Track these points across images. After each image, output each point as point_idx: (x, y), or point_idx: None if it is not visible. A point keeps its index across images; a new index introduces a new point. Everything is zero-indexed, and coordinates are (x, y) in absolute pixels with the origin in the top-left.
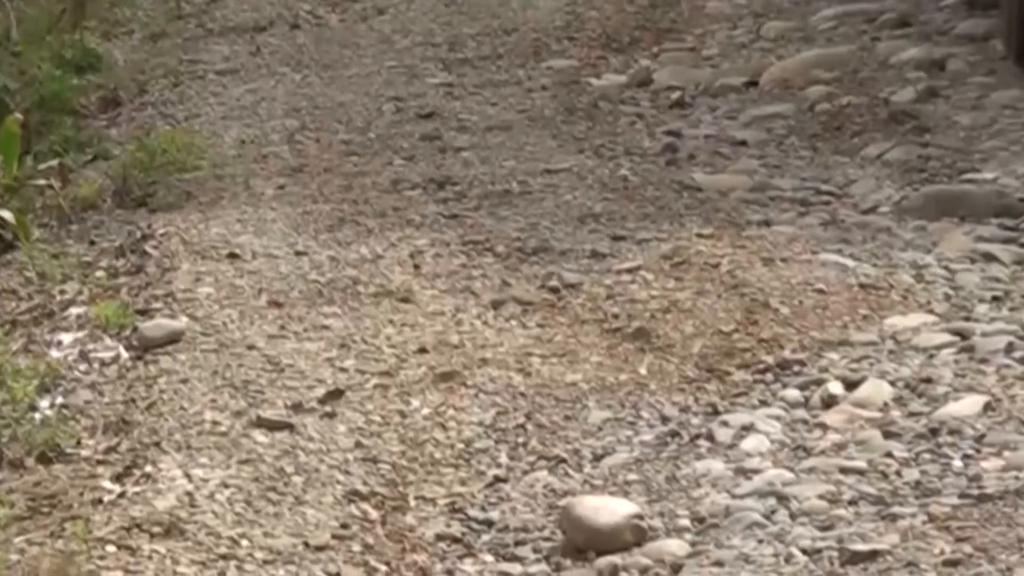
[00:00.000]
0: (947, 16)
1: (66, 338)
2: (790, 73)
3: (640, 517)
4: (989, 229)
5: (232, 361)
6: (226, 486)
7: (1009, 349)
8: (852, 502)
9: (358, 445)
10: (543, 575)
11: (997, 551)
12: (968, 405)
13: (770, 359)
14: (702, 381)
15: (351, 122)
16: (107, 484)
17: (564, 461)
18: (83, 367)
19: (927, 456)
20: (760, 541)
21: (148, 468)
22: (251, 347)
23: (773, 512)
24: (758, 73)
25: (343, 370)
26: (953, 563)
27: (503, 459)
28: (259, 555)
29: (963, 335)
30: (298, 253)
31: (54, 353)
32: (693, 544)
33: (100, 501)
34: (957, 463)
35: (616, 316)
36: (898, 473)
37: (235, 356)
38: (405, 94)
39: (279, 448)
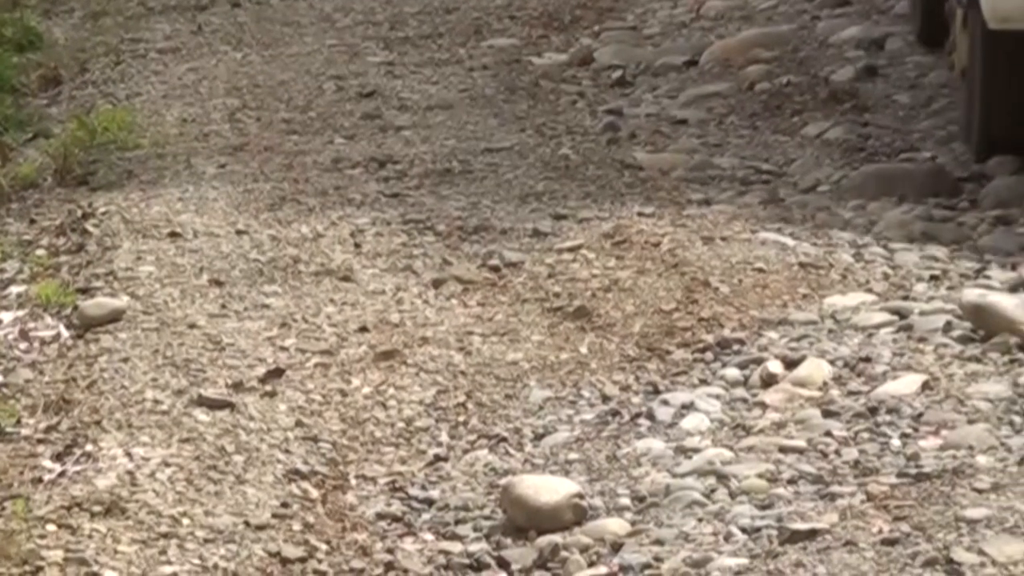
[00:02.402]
0: None
1: (6, 317)
2: (730, 52)
3: (580, 496)
4: (927, 208)
5: (173, 340)
6: (167, 465)
7: (947, 328)
8: (791, 481)
9: (299, 424)
10: (483, 554)
11: (935, 530)
12: (906, 384)
13: (710, 338)
14: (643, 360)
15: (292, 101)
16: (47, 463)
17: (505, 440)
18: (23, 346)
19: (866, 435)
20: (700, 520)
21: (89, 447)
22: (192, 326)
23: (713, 491)
24: (699, 52)
25: (284, 349)
26: (891, 542)
27: (444, 438)
28: (200, 534)
29: (902, 314)
30: (239, 232)
31: None
32: (633, 523)
33: (40, 480)
34: (895, 442)
35: (557, 295)
36: (837, 452)
37: (176, 335)
38: (346, 73)
39: (220, 427)
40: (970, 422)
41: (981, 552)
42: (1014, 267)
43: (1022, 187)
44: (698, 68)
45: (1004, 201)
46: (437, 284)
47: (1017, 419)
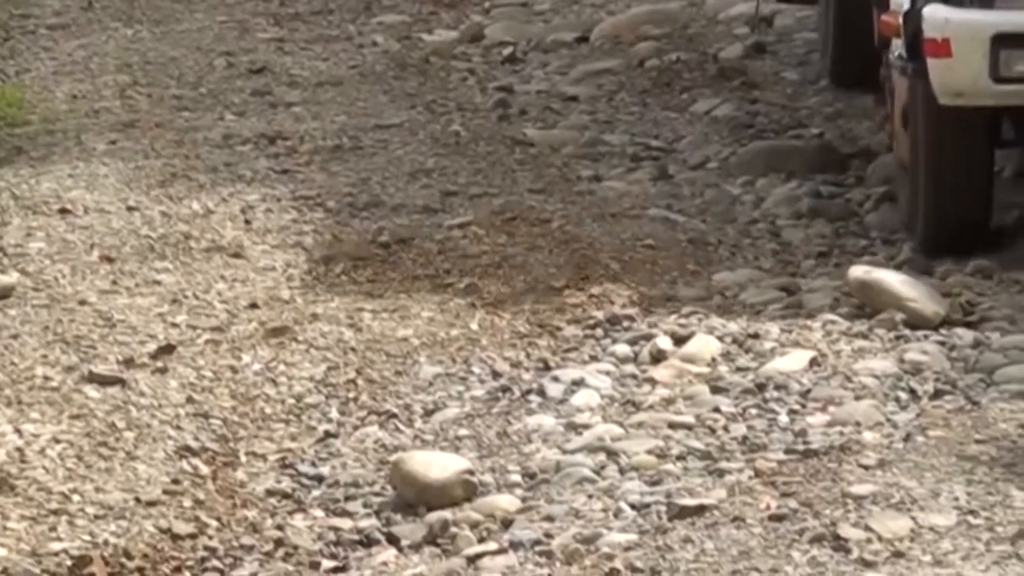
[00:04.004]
0: None
1: None
2: (621, 29)
3: (471, 472)
4: (815, 184)
5: (63, 316)
6: (57, 441)
7: (834, 305)
8: (680, 457)
9: (189, 400)
10: (373, 530)
11: (822, 506)
12: (794, 360)
13: (600, 314)
14: (533, 336)
15: (182, 77)
16: None
17: (395, 416)
18: None
19: (754, 411)
20: (590, 496)
21: None
22: (83, 302)
23: (603, 467)
24: (589, 29)
25: (175, 325)
26: (779, 518)
27: (334, 414)
28: (90, 510)
29: (789, 291)
30: (130, 208)
31: None
32: (523, 499)
33: None
34: (783, 418)
35: (447, 271)
36: (725, 428)
37: (66, 311)
38: (236, 49)
39: (110, 403)
40: (857, 398)
41: (867, 528)
42: (900, 244)
43: None
44: (588, 45)
45: (890, 178)
46: (327, 260)
47: (903, 395)
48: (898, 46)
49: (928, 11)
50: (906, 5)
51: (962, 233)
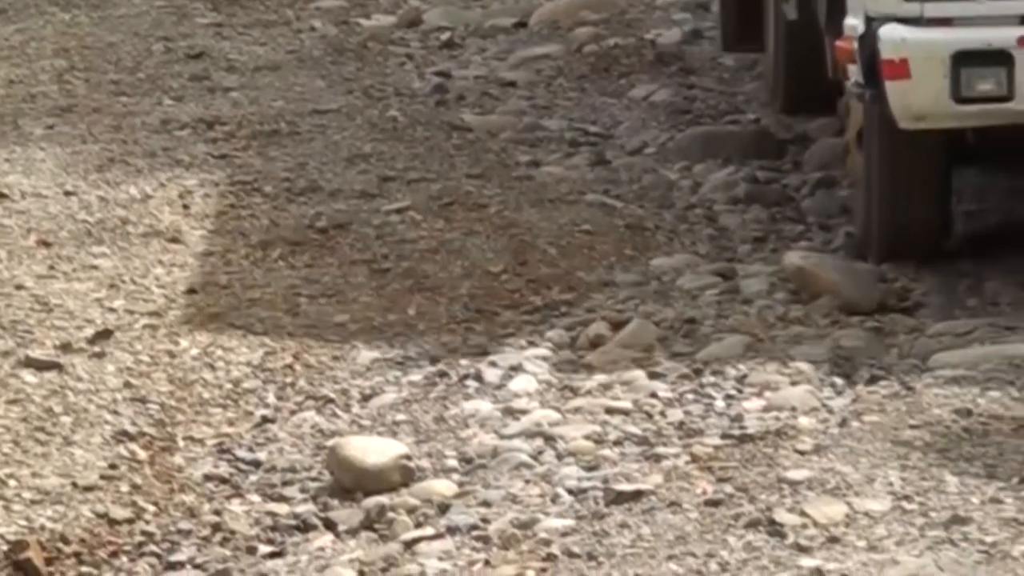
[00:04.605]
0: None
1: None
2: (559, 14)
3: (408, 457)
4: (752, 170)
5: (0, 301)
6: None
7: (771, 290)
8: (617, 442)
9: (127, 385)
10: (310, 515)
11: (757, 491)
12: (731, 345)
13: (538, 300)
14: (471, 322)
15: (120, 62)
16: None
17: (332, 401)
18: None
19: (690, 396)
20: (527, 481)
21: None
22: (19, 287)
23: (540, 452)
24: (527, 14)
25: (112, 310)
26: (715, 503)
27: (271, 399)
28: (27, 495)
29: (726, 276)
30: (67, 193)
31: None
32: (461, 484)
33: None
34: (719, 404)
35: (385, 256)
36: (662, 414)
37: (3, 296)
38: (174, 34)
39: (47, 388)
40: (793, 384)
41: (803, 513)
42: (836, 229)
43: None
44: (527, 30)
45: (826, 163)
46: (265, 245)
47: (838, 381)
48: (854, 72)
49: (884, 32)
50: (861, 28)
51: (918, 255)
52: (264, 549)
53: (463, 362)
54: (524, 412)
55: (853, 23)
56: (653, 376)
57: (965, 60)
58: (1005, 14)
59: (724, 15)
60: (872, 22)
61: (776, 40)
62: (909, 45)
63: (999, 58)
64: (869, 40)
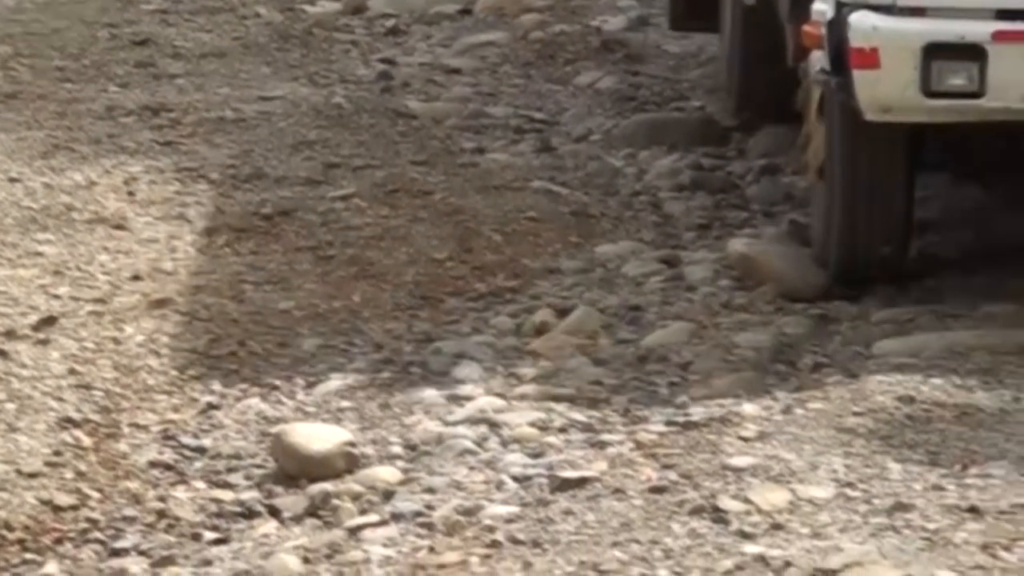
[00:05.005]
0: None
1: None
2: (504, 1)
3: (352, 444)
4: (696, 157)
5: None
6: None
7: (715, 277)
8: (562, 429)
9: (71, 372)
10: (255, 502)
11: (702, 478)
12: (675, 333)
13: (483, 287)
14: (416, 308)
15: (65, 48)
16: None
17: (277, 388)
18: None
19: (635, 384)
20: (471, 468)
21: None
22: None
23: (485, 439)
24: (472, 1)
25: (57, 297)
26: (659, 490)
27: (216, 386)
28: None
29: (671, 263)
30: (12, 179)
31: None
32: (405, 471)
33: None
34: (664, 391)
35: (330, 243)
36: (607, 401)
37: None
38: (120, 20)
39: None
40: (737, 371)
41: (746, 500)
42: (780, 216)
43: (788, 137)
44: (472, 17)
45: (770, 151)
46: (210, 232)
47: (782, 368)
48: (819, 59)
49: (855, 19)
50: (830, 13)
51: (878, 265)
52: (209, 536)
53: (408, 349)
54: (469, 399)
55: (822, 8)
56: (598, 363)
57: (937, 53)
58: (980, 7)
59: None
60: (843, 8)
61: (732, 31)
62: (880, 34)
63: (972, 53)
64: (838, 26)
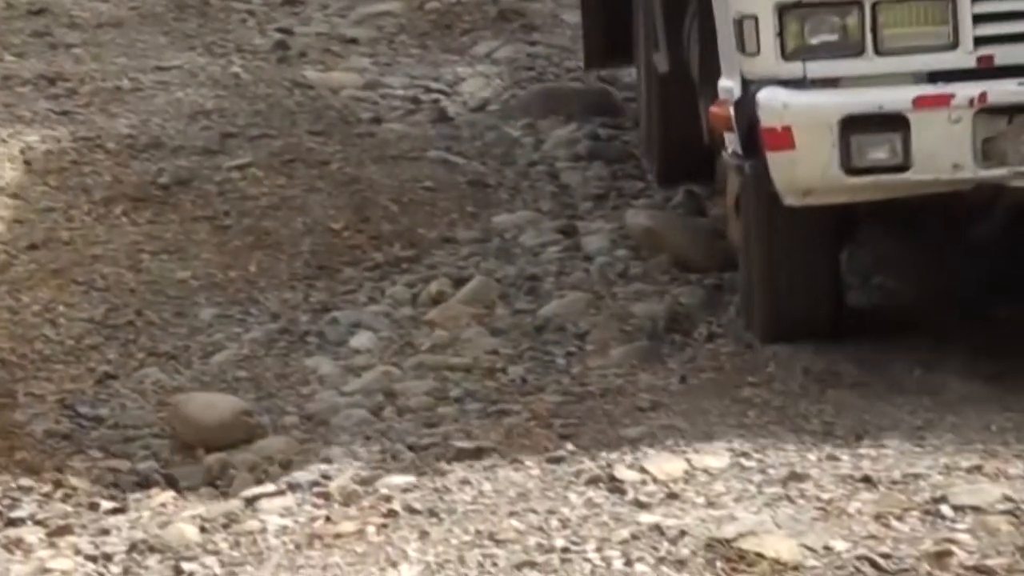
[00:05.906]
0: None
1: None
2: None
3: (249, 414)
4: (593, 127)
5: None
6: None
7: (611, 247)
8: (458, 399)
9: None
10: (152, 472)
11: (598, 448)
12: (572, 303)
13: (379, 256)
14: (312, 278)
15: None
16: None
17: (174, 358)
18: None
19: (531, 354)
20: (368, 438)
21: None
22: None
23: (381, 409)
24: None
25: None
26: (556, 460)
27: (113, 356)
28: None
29: (568, 233)
30: None
31: None
32: (302, 441)
33: None
34: (560, 361)
35: (227, 213)
36: (503, 371)
37: None
38: None
39: None
40: (633, 341)
41: (642, 470)
42: (676, 187)
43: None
44: None
45: None
46: (107, 202)
47: (677, 338)
48: (731, 141)
49: (763, 96)
50: (737, 91)
51: (804, 331)
52: (106, 505)
53: (304, 319)
54: (365, 368)
55: (728, 85)
56: (494, 333)
57: (855, 126)
58: (897, 71)
59: (588, 28)
60: (749, 85)
61: (648, 95)
62: (792, 111)
63: (893, 123)
64: (747, 106)
